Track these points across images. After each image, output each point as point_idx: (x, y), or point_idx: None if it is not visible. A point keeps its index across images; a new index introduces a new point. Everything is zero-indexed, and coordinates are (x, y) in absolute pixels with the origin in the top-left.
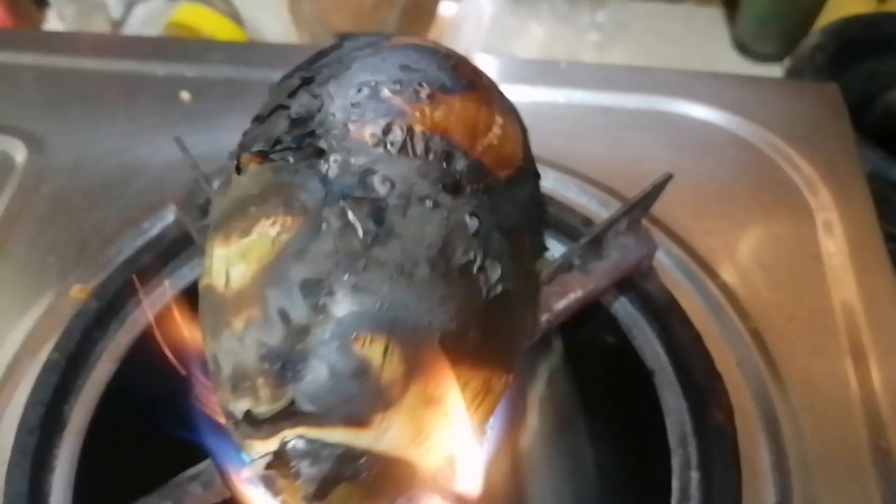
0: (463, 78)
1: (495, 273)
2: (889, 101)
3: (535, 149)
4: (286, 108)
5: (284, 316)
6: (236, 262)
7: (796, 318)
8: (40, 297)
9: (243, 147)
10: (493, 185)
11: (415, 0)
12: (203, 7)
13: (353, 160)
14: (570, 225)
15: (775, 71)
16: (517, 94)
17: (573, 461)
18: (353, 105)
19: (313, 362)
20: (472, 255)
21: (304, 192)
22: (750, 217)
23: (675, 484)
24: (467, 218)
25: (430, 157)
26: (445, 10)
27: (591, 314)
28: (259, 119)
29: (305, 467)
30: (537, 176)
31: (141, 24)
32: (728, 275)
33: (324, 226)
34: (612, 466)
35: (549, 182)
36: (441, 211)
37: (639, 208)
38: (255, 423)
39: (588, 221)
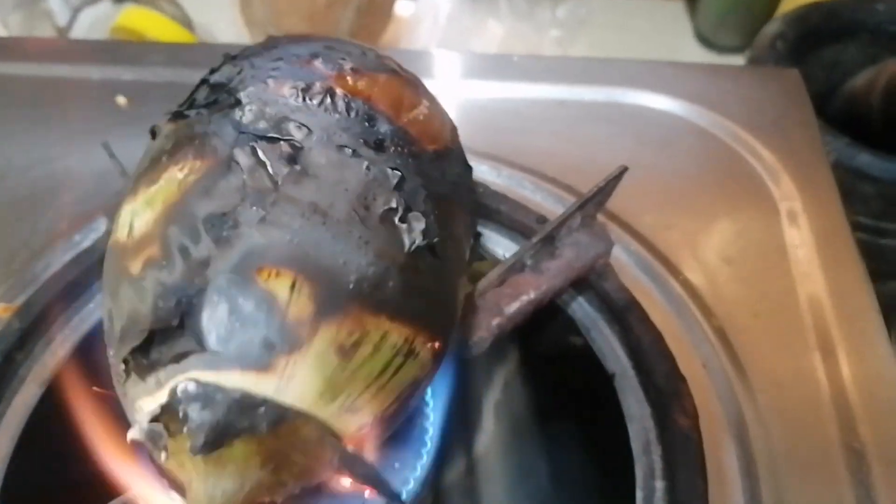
0: (387, 64)
1: (419, 225)
2: (851, 89)
3: (487, 145)
4: (207, 81)
5: (184, 251)
6: (141, 210)
7: (762, 314)
8: None
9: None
10: (420, 153)
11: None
12: (149, 10)
13: (268, 109)
14: (523, 224)
15: (738, 62)
16: (469, 89)
17: (530, 469)
18: (273, 69)
19: (211, 296)
20: (393, 203)
21: (216, 137)
22: (712, 210)
23: (639, 494)
24: (389, 171)
25: (352, 114)
26: (402, 9)
27: (547, 316)
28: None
29: (195, 412)
30: (468, 166)
31: (87, 29)
32: (690, 271)
33: (233, 165)
34: (573, 476)
35: (502, 179)
36: (361, 161)
37: (593, 203)
38: (143, 370)
39: (543, 220)
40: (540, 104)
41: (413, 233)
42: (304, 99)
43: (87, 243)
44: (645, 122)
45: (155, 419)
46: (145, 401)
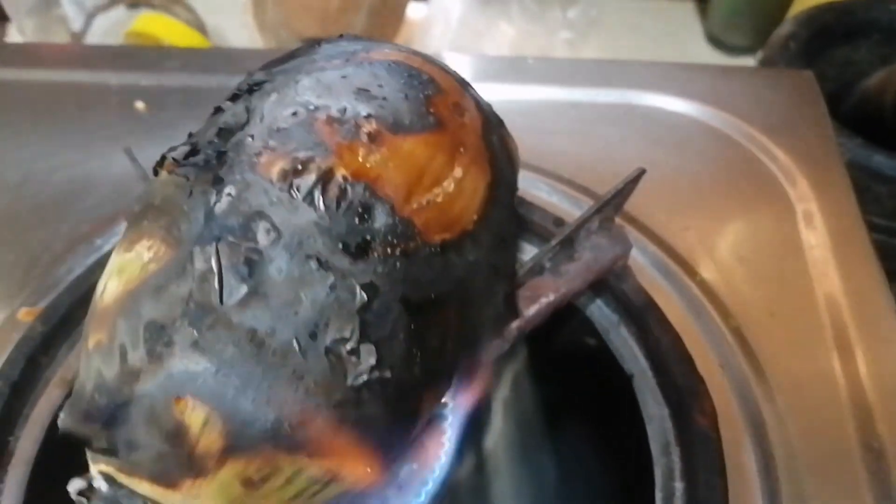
0: (432, 114)
1: (370, 359)
2: (865, 88)
3: None
4: (222, 111)
5: (123, 353)
6: (114, 276)
7: (779, 313)
8: None
9: (174, 148)
10: (418, 250)
11: (382, 2)
12: (164, 16)
13: (247, 197)
14: (540, 226)
15: (749, 63)
16: (484, 92)
17: (548, 470)
18: (277, 130)
19: (133, 410)
20: (346, 333)
21: (186, 221)
22: (728, 211)
23: (658, 495)
24: (358, 289)
25: (341, 209)
26: (414, 11)
27: (566, 318)
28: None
29: None
30: (501, 241)
31: (102, 35)
32: (707, 272)
33: (188, 267)
34: (593, 477)
35: (519, 182)
36: (327, 276)
37: (611, 206)
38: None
39: (560, 222)
40: (554, 106)
41: (360, 367)
42: (289, 188)
43: (108, 247)
44: (659, 124)
45: (80, 493)
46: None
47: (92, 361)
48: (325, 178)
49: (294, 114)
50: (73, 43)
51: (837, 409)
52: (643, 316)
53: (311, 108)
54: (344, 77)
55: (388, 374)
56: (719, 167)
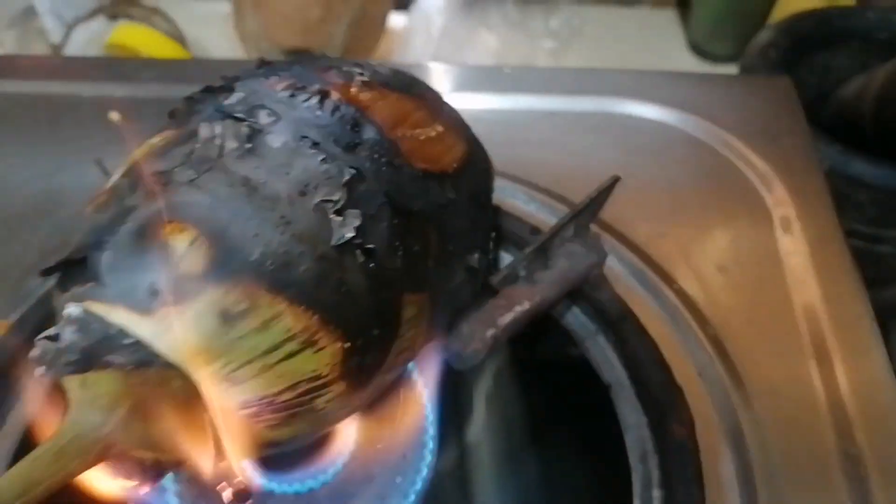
0: (414, 88)
1: (353, 221)
2: (843, 96)
3: None
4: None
5: (121, 199)
6: (121, 168)
7: (757, 322)
8: None
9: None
10: (402, 166)
11: (362, 13)
12: (142, 26)
13: (252, 98)
14: (517, 235)
15: (731, 71)
16: (461, 102)
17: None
18: (284, 70)
19: (121, 232)
20: (335, 196)
21: (195, 115)
22: (705, 218)
23: (636, 503)
24: (346, 168)
25: (335, 116)
26: (394, 22)
27: (542, 327)
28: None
29: (68, 333)
30: (478, 203)
31: (82, 47)
32: (685, 280)
33: (193, 135)
34: (571, 485)
35: (495, 191)
36: (319, 153)
37: (586, 213)
38: (58, 298)
39: (536, 231)
40: (532, 115)
41: (345, 227)
42: (291, 95)
43: None
44: (637, 132)
45: (48, 338)
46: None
47: (85, 223)
48: (322, 95)
49: (302, 64)
50: (51, 55)
51: (816, 417)
52: (620, 325)
53: (319, 64)
54: (350, 61)
55: (370, 246)
56: (696, 174)
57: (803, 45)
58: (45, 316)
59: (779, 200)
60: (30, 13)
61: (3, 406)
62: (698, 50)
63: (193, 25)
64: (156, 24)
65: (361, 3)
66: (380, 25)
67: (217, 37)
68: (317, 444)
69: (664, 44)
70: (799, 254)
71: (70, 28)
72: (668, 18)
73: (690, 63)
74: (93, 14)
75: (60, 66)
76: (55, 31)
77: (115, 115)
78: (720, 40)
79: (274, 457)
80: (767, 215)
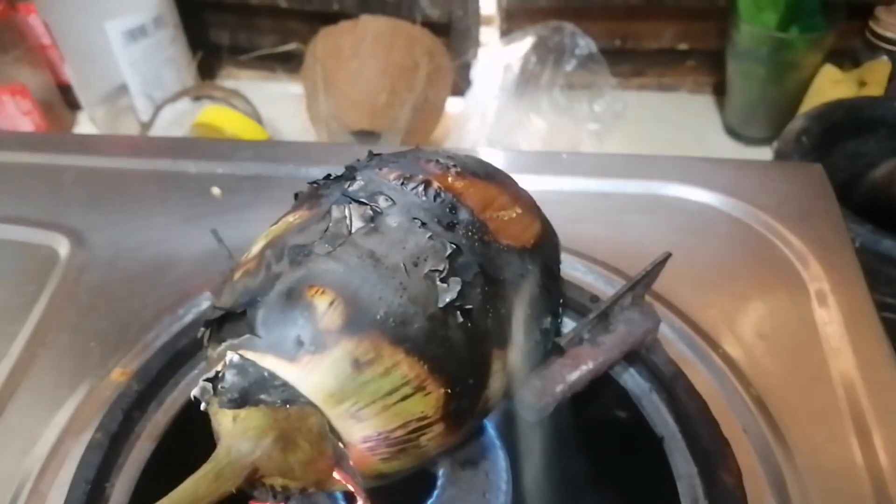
0: (497, 174)
1: (455, 287)
2: (874, 178)
3: None
4: (348, 167)
5: (268, 266)
6: (260, 240)
7: (797, 384)
8: (83, 381)
9: None
10: (491, 242)
11: (424, 99)
12: (227, 108)
13: (371, 186)
14: (578, 302)
15: (765, 153)
16: (523, 183)
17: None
18: (393, 162)
19: (273, 293)
20: (440, 267)
21: (325, 198)
22: (747, 291)
23: None
24: (448, 244)
25: (437, 201)
26: (452, 107)
27: (602, 386)
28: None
29: (230, 375)
30: (551, 275)
31: (168, 125)
32: (729, 345)
33: (326, 216)
34: None
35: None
36: (426, 231)
37: (641, 285)
38: (214, 343)
39: (595, 298)
40: (587, 196)
41: (448, 292)
42: (402, 183)
43: (189, 317)
44: (682, 212)
45: (208, 380)
46: (211, 367)
47: (236, 285)
48: (426, 184)
49: (406, 157)
50: (145, 134)
51: (854, 472)
52: (672, 384)
53: (418, 157)
54: (441, 153)
55: (468, 306)
56: (738, 251)
57: (834, 132)
58: (161, 366)
59: (814, 275)
60: (121, 92)
61: (127, 443)
62: (733, 133)
63: (268, 107)
64: (236, 106)
65: (423, 89)
66: (439, 110)
67: (288, 117)
68: (412, 479)
69: (701, 127)
70: (834, 324)
71: (158, 108)
72: (704, 104)
73: (725, 145)
74: (179, 95)
75: (167, 145)
76: (145, 111)
77: (216, 190)
78: (754, 124)
79: (377, 489)
80: (804, 289)
